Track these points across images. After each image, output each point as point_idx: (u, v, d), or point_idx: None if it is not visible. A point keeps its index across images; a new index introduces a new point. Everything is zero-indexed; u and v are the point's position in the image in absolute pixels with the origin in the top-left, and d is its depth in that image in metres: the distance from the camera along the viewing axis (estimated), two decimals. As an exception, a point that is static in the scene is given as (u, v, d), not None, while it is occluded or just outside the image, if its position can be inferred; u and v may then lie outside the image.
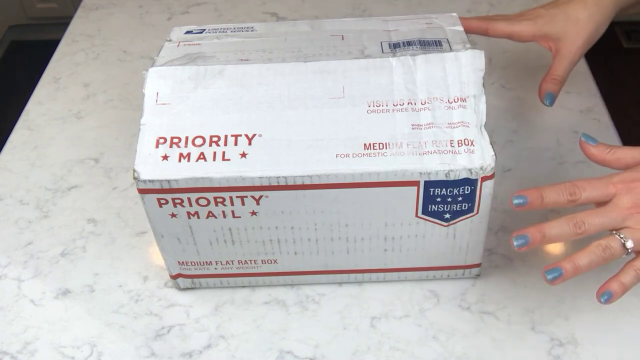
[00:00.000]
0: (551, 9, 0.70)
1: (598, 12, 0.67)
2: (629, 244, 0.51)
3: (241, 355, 0.58)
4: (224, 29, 0.65)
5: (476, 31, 0.71)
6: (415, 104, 0.55)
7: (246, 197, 0.54)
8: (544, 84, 0.69)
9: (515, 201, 0.53)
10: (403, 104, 0.55)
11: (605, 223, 0.52)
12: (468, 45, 0.57)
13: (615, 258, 0.52)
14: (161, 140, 0.55)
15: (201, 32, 0.65)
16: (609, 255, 0.52)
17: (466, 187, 0.54)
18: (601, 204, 0.53)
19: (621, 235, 0.52)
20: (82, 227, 0.70)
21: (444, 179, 0.53)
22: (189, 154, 0.54)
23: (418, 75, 0.56)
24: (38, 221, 0.71)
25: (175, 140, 0.55)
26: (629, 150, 0.55)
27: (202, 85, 0.57)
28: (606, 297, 0.52)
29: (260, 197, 0.54)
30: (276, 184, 0.53)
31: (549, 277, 0.52)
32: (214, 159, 0.54)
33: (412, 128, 0.54)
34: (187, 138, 0.55)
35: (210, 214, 0.56)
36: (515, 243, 0.52)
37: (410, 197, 0.54)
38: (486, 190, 0.54)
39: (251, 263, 0.60)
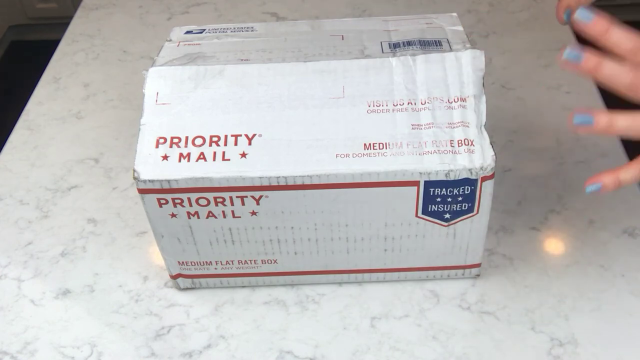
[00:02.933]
0: None
1: None
2: None
3: (241, 355, 0.58)
4: (224, 29, 0.65)
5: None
6: (415, 104, 0.55)
7: (246, 197, 0.54)
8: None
9: (579, 13, 0.45)
10: (403, 103, 0.55)
11: None
12: (468, 45, 0.57)
13: None
14: (161, 140, 0.55)
15: (201, 32, 0.65)
16: None
17: (466, 187, 0.54)
18: None
19: None
20: (82, 227, 0.70)
21: (444, 179, 0.53)
22: (189, 154, 0.54)
23: (418, 75, 0.56)
24: (38, 221, 0.71)
25: (175, 140, 0.55)
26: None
27: (202, 85, 0.57)
28: (594, 188, 0.48)
29: (260, 197, 0.54)
30: (276, 184, 0.53)
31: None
32: (214, 159, 0.54)
33: (412, 128, 0.54)
34: (187, 138, 0.55)
35: (210, 214, 0.56)
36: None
37: (410, 197, 0.54)
38: (486, 190, 0.54)
39: (251, 263, 0.60)
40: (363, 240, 0.58)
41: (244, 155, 0.54)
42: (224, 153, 0.54)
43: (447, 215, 0.56)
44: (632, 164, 0.48)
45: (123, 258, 0.67)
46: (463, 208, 0.55)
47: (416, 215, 0.56)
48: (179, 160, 0.54)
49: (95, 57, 0.93)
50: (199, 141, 0.54)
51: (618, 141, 0.74)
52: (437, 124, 0.54)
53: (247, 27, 0.65)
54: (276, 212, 0.56)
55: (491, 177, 0.53)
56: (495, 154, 0.53)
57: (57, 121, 0.83)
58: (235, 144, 0.54)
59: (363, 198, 0.54)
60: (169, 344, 0.59)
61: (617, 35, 0.45)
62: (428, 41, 0.59)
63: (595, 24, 0.45)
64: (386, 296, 0.62)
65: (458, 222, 0.56)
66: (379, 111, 0.55)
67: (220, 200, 0.55)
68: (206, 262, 0.60)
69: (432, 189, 0.54)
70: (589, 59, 0.45)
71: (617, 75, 0.45)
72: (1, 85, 2.07)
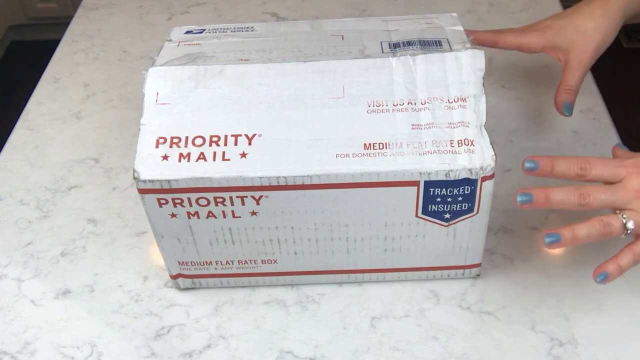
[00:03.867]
0: (559, 19, 0.70)
1: (605, 21, 0.67)
2: (630, 225, 0.52)
3: (241, 355, 0.58)
4: (224, 29, 0.65)
5: (486, 43, 0.72)
6: (415, 104, 0.55)
7: (246, 197, 0.54)
8: (559, 95, 0.69)
9: (527, 165, 0.53)
10: (403, 103, 0.55)
11: (610, 200, 0.53)
12: (468, 45, 0.57)
13: (614, 236, 0.53)
14: (161, 140, 0.55)
15: (201, 32, 0.65)
16: (607, 232, 0.52)
17: (466, 187, 0.54)
18: (609, 184, 0.54)
19: (624, 216, 0.52)
20: (82, 227, 0.70)
21: (444, 179, 0.53)
22: (189, 154, 0.54)
23: (418, 75, 0.56)
24: (38, 221, 0.71)
25: (175, 140, 0.55)
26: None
27: (202, 85, 0.57)
28: (602, 277, 0.54)
29: (260, 197, 0.54)
30: (276, 184, 0.53)
31: (547, 240, 0.53)
32: (214, 159, 0.54)
33: (412, 128, 0.54)
34: (187, 138, 0.55)
35: (210, 214, 0.56)
36: (519, 199, 0.53)
37: (410, 197, 0.54)
38: (486, 190, 0.54)
39: (251, 263, 0.60)
40: (363, 240, 0.58)
41: (244, 155, 0.54)
42: (224, 153, 0.54)
43: (447, 215, 0.56)
44: (625, 249, 0.54)
45: (123, 258, 0.67)
46: (463, 208, 0.55)
47: (416, 215, 0.56)
48: (179, 160, 0.54)
49: (95, 57, 0.93)
50: (199, 141, 0.54)
51: (618, 140, 0.74)
52: (437, 124, 0.54)
53: (247, 27, 0.65)
54: (276, 212, 0.56)
55: (491, 177, 0.53)
56: (495, 154, 0.53)
57: (57, 121, 0.83)
58: (235, 144, 0.54)
59: (363, 198, 0.54)
60: (169, 344, 0.59)
61: (562, 169, 0.54)
62: (428, 41, 0.59)
63: (541, 169, 0.54)
64: (386, 296, 0.62)
65: (458, 222, 0.56)
66: (379, 111, 0.55)
67: (220, 200, 0.55)
68: (206, 262, 0.60)
69: (432, 189, 0.54)
70: (538, 197, 0.53)
71: (565, 201, 0.53)
72: (1, 85, 2.07)
